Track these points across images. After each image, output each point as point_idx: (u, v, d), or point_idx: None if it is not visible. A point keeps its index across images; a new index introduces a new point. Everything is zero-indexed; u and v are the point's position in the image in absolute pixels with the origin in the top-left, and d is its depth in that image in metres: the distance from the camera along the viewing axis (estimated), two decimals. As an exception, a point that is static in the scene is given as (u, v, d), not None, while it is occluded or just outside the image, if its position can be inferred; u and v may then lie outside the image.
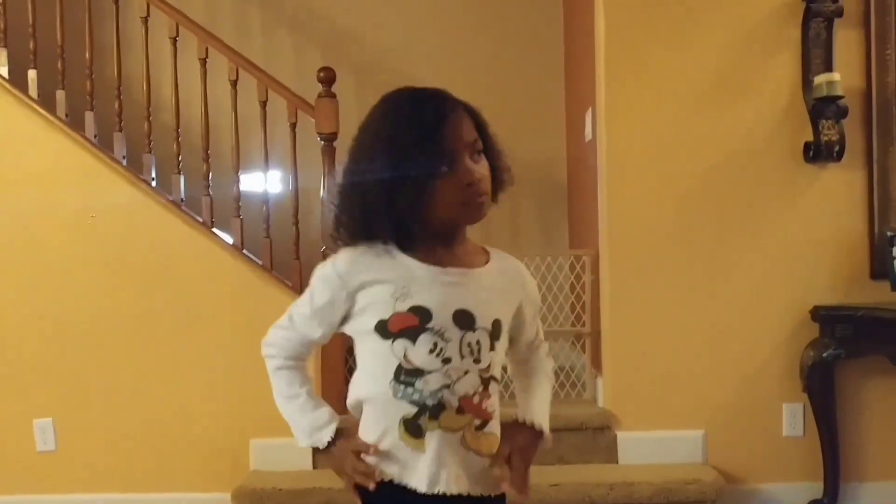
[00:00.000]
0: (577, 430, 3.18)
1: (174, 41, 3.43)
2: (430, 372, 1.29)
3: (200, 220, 3.40)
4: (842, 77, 3.14)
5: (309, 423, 1.42)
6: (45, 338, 3.36)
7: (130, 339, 3.34)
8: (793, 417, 3.22)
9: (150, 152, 3.45)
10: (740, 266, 3.21)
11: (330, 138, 3.33)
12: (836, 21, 3.19)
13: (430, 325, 1.29)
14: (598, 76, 3.33)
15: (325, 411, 1.42)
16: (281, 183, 3.87)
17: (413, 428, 1.30)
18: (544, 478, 2.98)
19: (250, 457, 3.30)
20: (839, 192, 3.22)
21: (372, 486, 1.33)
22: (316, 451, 1.46)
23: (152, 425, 3.33)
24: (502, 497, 1.37)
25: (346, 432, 1.41)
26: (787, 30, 3.22)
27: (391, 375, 1.30)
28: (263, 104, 3.40)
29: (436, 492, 1.31)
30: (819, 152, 3.18)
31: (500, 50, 4.30)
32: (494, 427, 1.36)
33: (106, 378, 3.34)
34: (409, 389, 1.29)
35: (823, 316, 3.15)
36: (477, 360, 1.31)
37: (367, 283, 1.32)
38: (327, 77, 3.31)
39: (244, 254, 3.38)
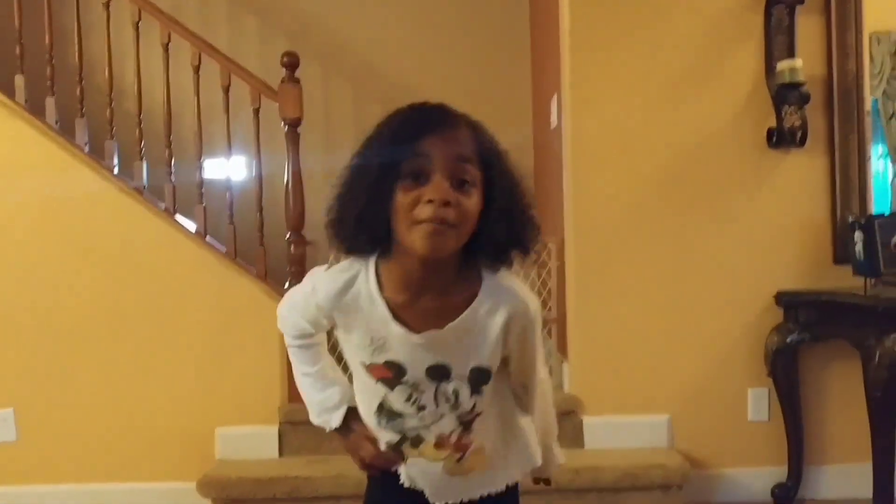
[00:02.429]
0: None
1: (136, 26, 3.38)
2: (407, 415, 1.32)
3: (163, 206, 3.36)
4: (804, 63, 3.16)
5: (319, 402, 1.43)
6: (4, 326, 3.30)
7: (93, 327, 3.29)
8: (758, 402, 3.25)
9: (113, 139, 3.40)
10: (705, 252, 3.23)
11: (294, 123, 3.30)
12: (798, 7, 3.21)
13: (404, 380, 1.30)
14: (563, 63, 3.33)
15: (336, 391, 1.41)
16: (245, 169, 3.83)
17: (397, 451, 1.37)
18: None
19: (216, 445, 3.27)
20: (802, 177, 3.24)
21: (395, 469, 1.39)
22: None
23: (116, 415, 3.28)
24: (504, 494, 1.42)
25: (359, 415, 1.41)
26: (750, 17, 3.24)
27: (375, 408, 1.34)
28: (226, 90, 3.36)
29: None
30: (782, 138, 3.20)
31: (467, 36, 4.29)
32: (479, 447, 1.37)
33: (68, 367, 3.29)
34: (392, 422, 1.34)
35: (787, 301, 3.17)
36: (455, 407, 1.31)
37: (346, 324, 1.31)
38: (291, 62, 3.28)
39: (208, 241, 3.35)
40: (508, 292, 1.30)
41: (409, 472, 1.39)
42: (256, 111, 3.36)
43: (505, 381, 1.38)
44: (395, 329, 1.27)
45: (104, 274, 3.31)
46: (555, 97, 3.58)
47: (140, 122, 3.40)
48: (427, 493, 1.39)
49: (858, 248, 3.05)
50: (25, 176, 3.30)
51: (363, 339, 1.29)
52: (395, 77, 4.14)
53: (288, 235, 3.33)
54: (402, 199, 1.18)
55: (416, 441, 1.34)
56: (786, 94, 3.18)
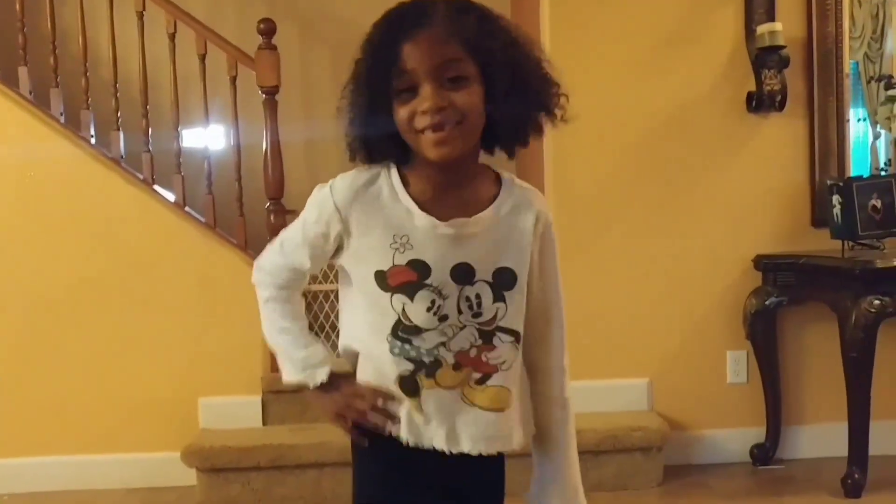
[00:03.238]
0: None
1: (109, -7, 3.34)
2: (427, 330, 1.23)
3: (141, 177, 3.33)
4: (784, 27, 3.15)
5: (302, 358, 1.32)
6: (-17, 300, 3.28)
7: (73, 299, 3.27)
8: (736, 364, 3.29)
9: (89, 108, 3.36)
10: (685, 216, 3.24)
11: (271, 91, 3.27)
12: (779, -30, 3.21)
13: (428, 282, 1.22)
14: (542, 32, 3.30)
15: (321, 349, 1.34)
16: (223, 138, 3.80)
17: (409, 385, 1.24)
18: None
19: (199, 415, 3.27)
20: (781, 141, 3.26)
21: (389, 431, 1.26)
22: (302, 390, 1.34)
23: (98, 386, 3.28)
24: (502, 457, 1.32)
25: (344, 375, 1.32)
26: (730, -20, 3.23)
27: (389, 330, 1.23)
28: (202, 57, 3.32)
29: (430, 448, 1.25)
30: (762, 102, 3.21)
31: None
32: (502, 379, 1.26)
33: (49, 339, 3.27)
34: (407, 346, 1.23)
35: (766, 264, 3.20)
36: (476, 315, 1.23)
37: (364, 223, 1.24)
38: (267, 28, 3.24)
39: (187, 211, 3.33)
40: (530, 192, 1.30)
41: (424, 410, 1.24)
42: (233, 79, 3.33)
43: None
44: (422, 220, 1.22)
45: (83, 245, 3.28)
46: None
47: (116, 92, 3.36)
48: (439, 439, 1.24)
49: (836, 211, 3.07)
50: (1, 147, 3.26)
51: (384, 238, 1.22)
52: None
53: (267, 205, 3.31)
54: (400, 115, 1.18)
55: (433, 366, 1.23)
56: (765, 57, 3.18)
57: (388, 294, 1.22)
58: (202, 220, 3.33)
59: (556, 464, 1.36)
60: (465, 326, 1.23)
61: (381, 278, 1.22)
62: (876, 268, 2.84)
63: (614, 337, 3.24)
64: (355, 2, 4.13)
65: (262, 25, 3.26)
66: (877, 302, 2.81)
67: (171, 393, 3.28)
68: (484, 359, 1.24)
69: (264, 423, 3.27)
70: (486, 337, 1.24)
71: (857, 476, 2.85)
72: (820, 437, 3.23)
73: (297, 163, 3.67)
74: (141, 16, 3.33)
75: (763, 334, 3.21)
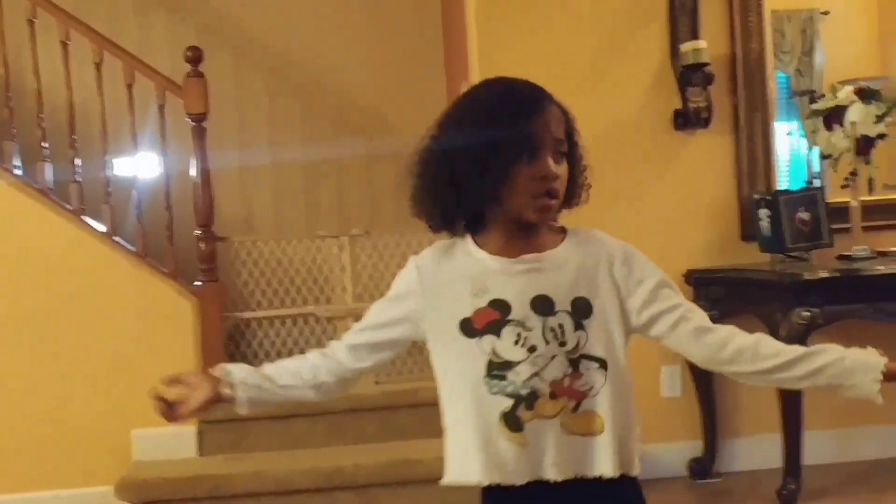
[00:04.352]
0: (417, 406, 3.17)
1: (32, 23, 3.29)
2: (518, 362, 1.30)
3: (70, 207, 3.29)
4: (708, 45, 3.20)
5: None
6: None
7: (2, 332, 3.20)
8: (671, 379, 3.31)
9: (13, 139, 3.31)
10: (616, 233, 3.22)
11: (199, 119, 3.26)
12: (701, -11, 3.26)
13: (510, 317, 1.31)
14: (470, 51, 3.33)
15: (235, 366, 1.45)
16: (153, 166, 3.76)
17: (512, 421, 1.30)
18: (391, 454, 3.03)
19: (132, 447, 3.22)
20: (708, 157, 3.31)
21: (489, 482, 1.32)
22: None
23: (27, 421, 3.20)
24: (602, 480, 1.32)
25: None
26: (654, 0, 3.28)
27: (483, 372, 1.31)
28: (130, 87, 3.30)
29: (539, 479, 1.31)
30: (688, 119, 3.25)
31: (380, 26, 4.24)
32: (592, 404, 1.32)
33: (-23, 375, 3.21)
34: (503, 382, 1.30)
35: (697, 279, 3.23)
36: (562, 344, 1.30)
37: (446, 282, 1.36)
38: (194, 56, 3.24)
39: (116, 241, 3.29)
40: (593, 231, 1.43)
41: (530, 442, 1.30)
42: (161, 108, 3.31)
43: (621, 370, 1.35)
44: (495, 263, 1.34)
45: (12, 278, 3.23)
46: (464, 84, 3.58)
47: (41, 122, 3.32)
48: (551, 468, 1.30)
49: (764, 224, 3.13)
50: (-77, 182, 3.21)
51: (463, 288, 1.33)
52: (308, 68, 4.10)
53: (197, 232, 3.28)
54: (519, 176, 1.29)
55: (532, 398, 1.30)
56: (690, 75, 3.23)
57: (476, 339, 1.32)
58: (132, 249, 3.29)
59: (821, 359, 1.33)
60: (554, 356, 1.30)
61: (467, 325, 1.32)
62: (804, 280, 2.88)
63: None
64: (288, 30, 4.19)
65: (189, 53, 3.25)
66: (806, 313, 2.84)
67: (103, 425, 3.22)
68: (574, 387, 1.31)
69: (200, 454, 3.22)
70: (574, 364, 1.31)
71: (791, 487, 2.88)
72: (756, 449, 3.26)
73: (229, 190, 3.66)
74: (65, 45, 3.30)
75: (697, 348, 3.22)
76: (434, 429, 1.50)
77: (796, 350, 1.35)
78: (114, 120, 3.41)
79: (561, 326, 1.31)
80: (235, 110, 4.01)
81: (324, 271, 3.43)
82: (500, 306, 1.31)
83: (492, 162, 1.29)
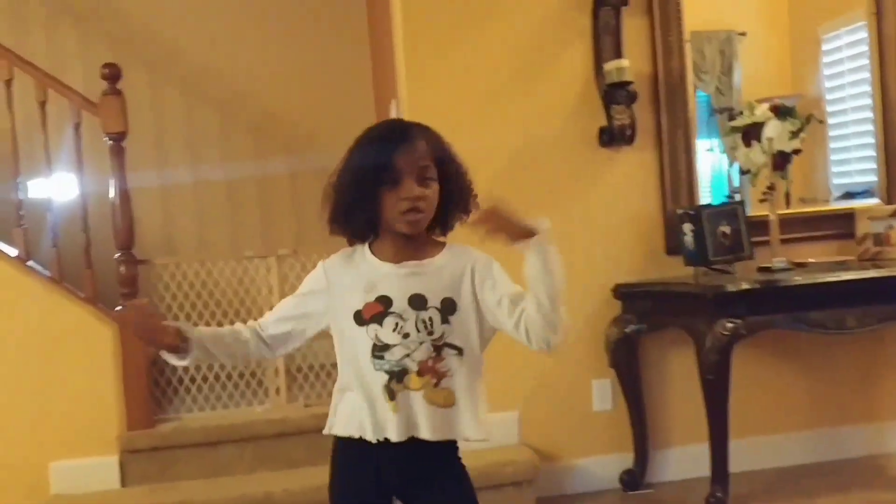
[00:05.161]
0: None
1: (-65, 39, 3.15)
2: (394, 346, 1.62)
3: (-21, 232, 3.14)
4: (631, 63, 3.26)
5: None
6: None
7: None
8: (601, 392, 3.34)
9: (-84, 160, 3.15)
10: (545, 249, 3.27)
11: (118, 138, 3.15)
12: (623, 9, 3.31)
13: (391, 309, 1.63)
14: (398, 67, 3.31)
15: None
16: (68, 187, 3.62)
17: (389, 392, 1.62)
18: (322, 479, 2.92)
19: (50, 480, 3.08)
20: (633, 173, 3.35)
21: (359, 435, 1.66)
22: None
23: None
24: (454, 444, 1.69)
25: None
26: (578, 18, 3.32)
27: (369, 353, 1.63)
28: (42, 104, 3.17)
29: (407, 439, 1.62)
30: (613, 136, 3.30)
31: (305, 41, 4.21)
32: (450, 383, 1.64)
33: None
34: (381, 361, 1.63)
35: (624, 293, 3.28)
36: (430, 333, 1.63)
37: (345, 279, 1.68)
38: (112, 73, 3.13)
39: (29, 266, 3.14)
40: (465, 247, 1.73)
41: (402, 414, 1.61)
42: (77, 126, 3.19)
43: (475, 358, 1.68)
44: (384, 268, 1.67)
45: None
46: (393, 102, 3.56)
47: (-53, 142, 3.17)
48: (422, 429, 1.61)
49: (688, 238, 3.18)
50: None
51: (358, 286, 1.65)
52: (229, 83, 4.02)
53: (117, 255, 3.17)
54: (387, 199, 1.62)
55: (402, 374, 1.62)
56: (614, 93, 3.28)
57: (364, 327, 1.64)
58: (47, 273, 3.15)
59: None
60: (423, 342, 1.63)
61: (358, 315, 1.65)
62: (727, 291, 2.94)
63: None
64: (207, 44, 4.10)
65: (106, 70, 3.14)
66: (729, 325, 2.90)
67: (18, 458, 3.09)
68: (437, 367, 1.63)
69: (123, 485, 3.11)
70: (438, 350, 1.64)
71: (719, 495, 2.92)
72: (686, 459, 3.31)
73: (150, 210, 3.54)
74: (-27, 63, 3.15)
75: (625, 361, 3.27)
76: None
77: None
78: (25, 139, 3.27)
79: (431, 319, 1.63)
80: (153, 128, 3.90)
81: (251, 293, 3.34)
82: (385, 301, 1.63)
83: (367, 187, 1.62)
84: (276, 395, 3.37)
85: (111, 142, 3.16)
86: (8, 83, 3.16)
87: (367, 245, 1.70)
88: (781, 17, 4.06)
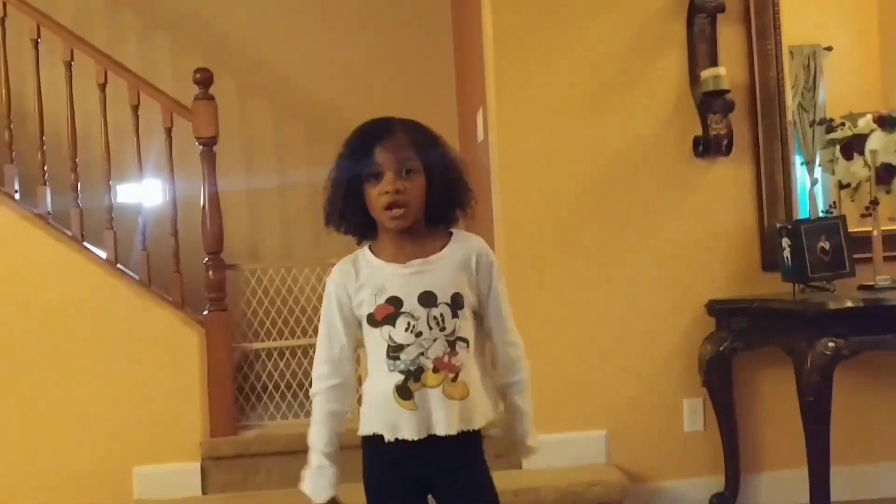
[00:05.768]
0: (479, 437, 3.09)
1: (36, 43, 3.20)
2: (408, 345, 1.64)
3: (70, 233, 3.17)
4: (727, 72, 3.16)
5: (316, 468, 1.78)
6: None
7: (-4, 365, 3.07)
8: (693, 412, 3.22)
9: (13, 163, 3.20)
10: (636, 264, 3.19)
11: (209, 143, 3.16)
12: (719, 16, 3.22)
13: (402, 310, 1.64)
14: (487, 77, 3.27)
15: (332, 471, 1.76)
16: (159, 192, 3.65)
17: (404, 392, 1.64)
18: None
19: (133, 486, 3.08)
20: (729, 186, 3.25)
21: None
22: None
23: (23, 460, 3.07)
24: (477, 432, 1.70)
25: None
26: (672, 27, 3.24)
27: (385, 356, 1.65)
28: (135, 108, 3.20)
29: (426, 436, 1.64)
30: (708, 147, 3.20)
31: (389, 50, 4.20)
32: (464, 376, 1.66)
33: (-32, 410, 3.06)
34: (398, 362, 1.64)
35: (719, 310, 3.16)
36: (442, 329, 1.64)
37: (358, 288, 1.69)
38: (204, 78, 3.14)
39: (119, 268, 3.16)
40: (472, 238, 1.75)
41: (419, 413, 1.63)
42: (168, 130, 3.21)
43: (474, 344, 1.70)
44: (389, 269, 1.68)
45: (8, 306, 3.10)
46: (480, 111, 3.51)
47: (42, 145, 3.21)
48: (440, 425, 1.63)
49: (786, 254, 3.06)
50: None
51: (370, 291, 1.67)
52: (315, 93, 4.04)
53: (206, 259, 3.17)
54: (369, 194, 1.65)
55: (419, 373, 1.63)
56: (710, 102, 3.18)
57: (378, 329, 1.66)
58: (136, 277, 3.17)
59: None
60: (436, 339, 1.64)
61: (372, 318, 1.67)
62: (829, 310, 2.80)
63: (568, 388, 3.15)
64: (294, 54, 4.13)
65: (198, 75, 3.16)
66: (831, 344, 2.76)
67: (102, 463, 3.09)
68: (452, 362, 1.65)
69: (204, 492, 3.09)
70: (451, 345, 1.66)
71: (820, 524, 2.79)
72: (779, 484, 3.17)
73: (238, 215, 3.55)
74: (69, 66, 3.20)
75: (719, 380, 3.15)
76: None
77: (514, 377, 1.79)
78: (117, 143, 3.31)
79: (442, 315, 1.65)
80: (241, 134, 3.92)
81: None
82: (395, 302, 1.65)
83: (352, 183, 1.65)
84: (358, 405, 3.32)
85: (202, 147, 3.17)
86: (102, 87, 3.19)
87: (366, 248, 1.74)
88: (871, 32, 3.91)
